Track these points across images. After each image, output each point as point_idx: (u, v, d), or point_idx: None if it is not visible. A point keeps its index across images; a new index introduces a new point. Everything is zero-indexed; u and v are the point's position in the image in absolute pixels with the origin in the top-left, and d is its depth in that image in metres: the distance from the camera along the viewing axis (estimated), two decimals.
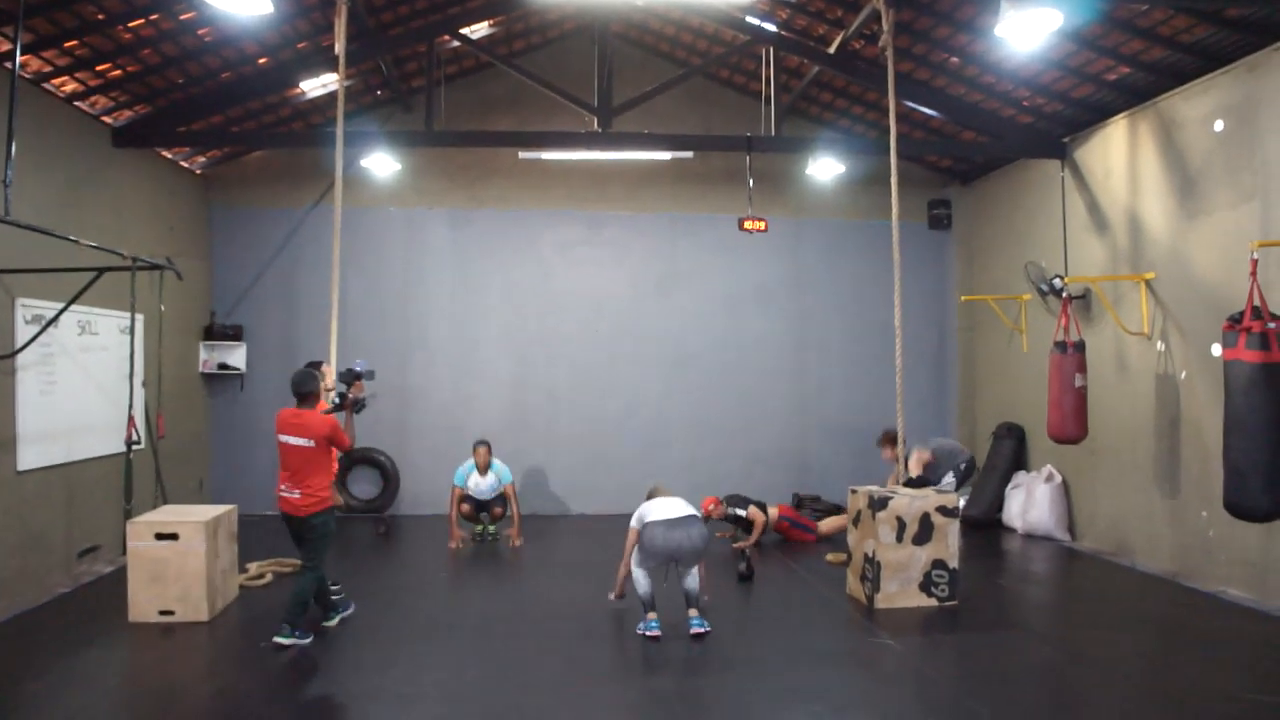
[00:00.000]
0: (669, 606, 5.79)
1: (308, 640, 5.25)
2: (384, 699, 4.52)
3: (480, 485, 8.37)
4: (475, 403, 10.16)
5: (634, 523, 5.71)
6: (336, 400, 5.56)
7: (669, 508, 5.62)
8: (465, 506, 8.45)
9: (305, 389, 5.44)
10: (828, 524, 8.74)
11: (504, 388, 10.21)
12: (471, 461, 8.34)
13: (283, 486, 5.38)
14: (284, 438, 5.34)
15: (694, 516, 5.60)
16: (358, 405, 5.68)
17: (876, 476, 8.14)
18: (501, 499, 8.50)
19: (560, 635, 5.60)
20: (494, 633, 5.71)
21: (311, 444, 5.29)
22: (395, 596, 6.55)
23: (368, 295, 10.03)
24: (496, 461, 8.38)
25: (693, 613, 5.60)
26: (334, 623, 5.57)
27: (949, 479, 7.34)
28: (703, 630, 5.50)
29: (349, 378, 5.88)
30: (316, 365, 6.87)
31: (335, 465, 5.65)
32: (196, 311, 9.57)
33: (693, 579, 5.63)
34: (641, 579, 5.60)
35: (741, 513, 8.38)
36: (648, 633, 5.47)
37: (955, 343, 10.67)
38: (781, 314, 10.52)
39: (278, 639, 5.15)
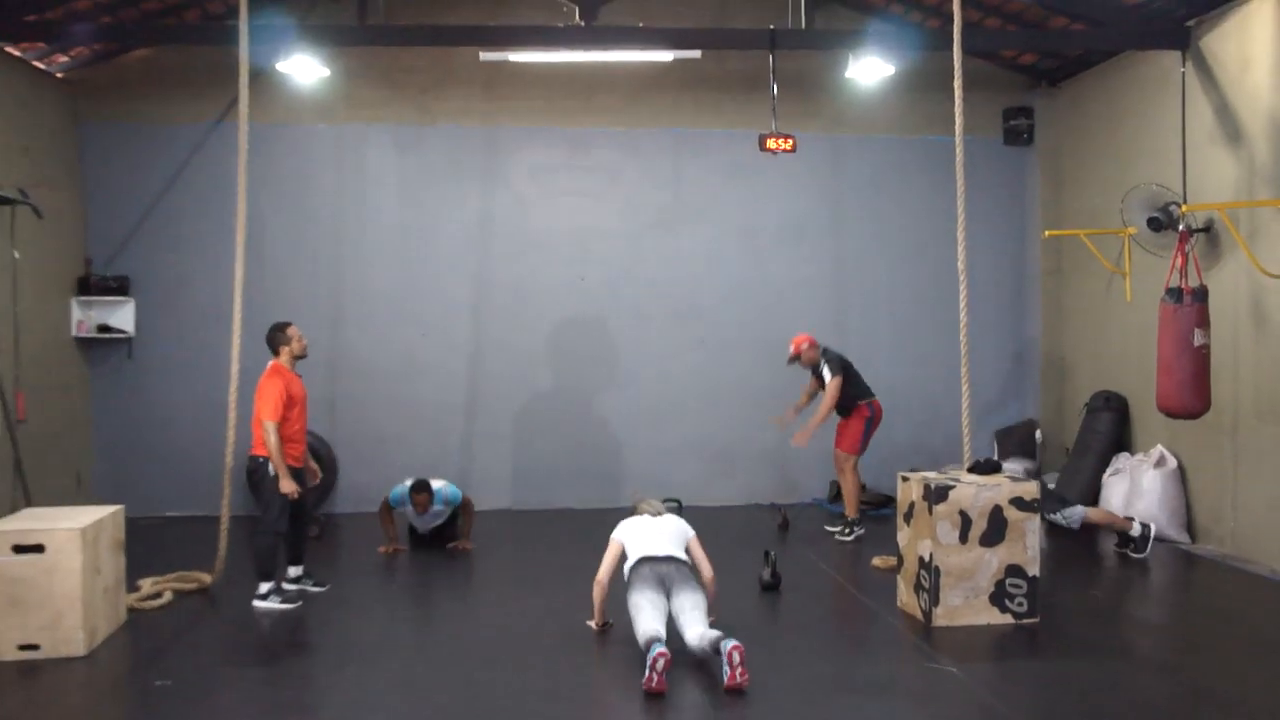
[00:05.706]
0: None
1: None
2: None
3: (423, 520, 8.20)
4: (431, 371, 10.13)
5: (615, 534, 5.93)
6: None
7: (651, 539, 5.78)
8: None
9: None
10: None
11: (467, 352, 10.18)
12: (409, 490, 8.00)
13: None
14: None
15: (679, 560, 5.72)
16: None
17: (935, 459, 8.09)
18: (451, 520, 8.29)
19: (538, 660, 5.56)
20: (454, 659, 5.67)
21: None
22: (332, 615, 6.49)
23: (290, 237, 9.93)
24: (441, 487, 8.02)
25: (716, 637, 5.16)
26: None
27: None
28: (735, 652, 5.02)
29: None
30: (284, 326, 6.75)
31: None
32: (66, 259, 9.44)
33: (697, 622, 5.34)
34: (640, 613, 5.40)
35: (827, 375, 8.56)
36: (655, 654, 5.01)
37: (1037, 290, 10.61)
38: (815, 256, 10.43)
39: None
